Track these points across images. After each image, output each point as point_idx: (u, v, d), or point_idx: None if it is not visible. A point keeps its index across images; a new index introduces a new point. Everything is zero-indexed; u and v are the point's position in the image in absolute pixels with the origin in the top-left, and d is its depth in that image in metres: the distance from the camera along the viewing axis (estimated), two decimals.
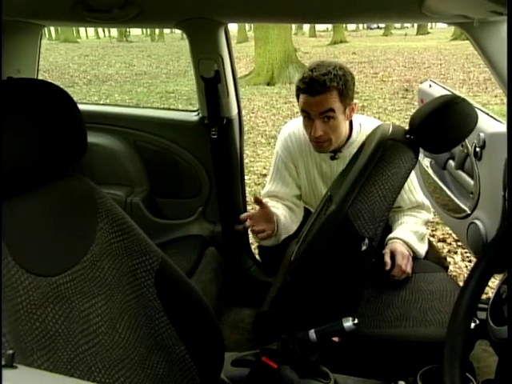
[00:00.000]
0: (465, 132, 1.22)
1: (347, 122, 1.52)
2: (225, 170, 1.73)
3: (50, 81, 0.78)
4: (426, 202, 1.66)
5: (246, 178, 3.51)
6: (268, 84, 8.76)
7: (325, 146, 1.49)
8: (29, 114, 0.73)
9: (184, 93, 8.07)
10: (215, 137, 1.65)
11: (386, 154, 1.17)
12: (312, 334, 1.02)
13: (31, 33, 1.68)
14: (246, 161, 3.72)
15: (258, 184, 3.87)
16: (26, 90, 0.75)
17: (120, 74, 10.89)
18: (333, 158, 1.58)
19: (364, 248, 1.13)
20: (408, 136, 1.23)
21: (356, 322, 0.99)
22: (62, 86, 0.80)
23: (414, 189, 1.62)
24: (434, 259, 1.62)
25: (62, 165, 0.80)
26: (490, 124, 1.61)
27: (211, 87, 1.60)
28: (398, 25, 26.49)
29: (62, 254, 0.78)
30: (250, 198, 3.53)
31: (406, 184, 1.35)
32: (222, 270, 1.80)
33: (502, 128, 1.58)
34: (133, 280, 0.89)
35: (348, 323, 1.00)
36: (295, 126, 1.62)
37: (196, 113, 1.77)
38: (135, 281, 0.89)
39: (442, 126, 1.19)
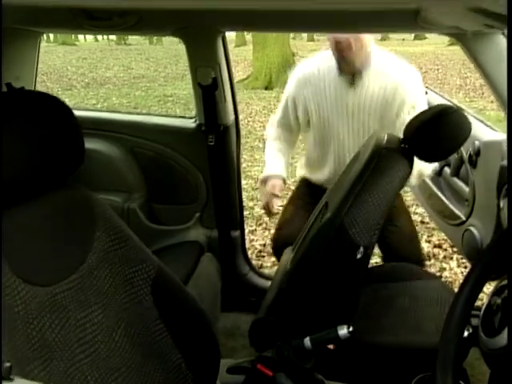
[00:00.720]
0: (458, 142, 1.24)
1: (371, 40, 1.60)
2: (222, 176, 1.74)
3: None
4: None
5: (243, 182, 3.52)
6: (266, 88, 8.78)
7: (345, 45, 1.54)
8: (27, 125, 0.74)
9: (182, 96, 8.07)
10: (212, 144, 1.66)
11: (381, 163, 1.18)
12: (307, 341, 1.03)
13: (30, 39, 1.69)
14: (243, 165, 3.72)
15: (256, 189, 3.87)
16: (24, 101, 0.76)
17: (118, 77, 10.89)
18: (351, 84, 1.62)
19: (359, 256, 1.14)
20: (402, 145, 1.24)
21: (351, 329, 1.00)
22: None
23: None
24: (411, 254, 1.69)
25: (60, 175, 0.81)
26: (484, 132, 1.63)
27: (208, 94, 1.61)
28: None
29: (60, 263, 0.79)
30: (246, 203, 3.54)
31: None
32: (219, 275, 1.80)
33: (497, 136, 1.59)
34: (129, 288, 0.89)
35: (343, 331, 1.01)
36: (305, 63, 1.73)
37: (193, 119, 1.78)
38: (132, 289, 0.90)
39: (436, 135, 1.20)
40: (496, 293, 0.69)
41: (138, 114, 4.99)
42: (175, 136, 1.79)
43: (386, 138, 1.27)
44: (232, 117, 1.72)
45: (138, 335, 0.87)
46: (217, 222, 1.82)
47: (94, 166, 1.75)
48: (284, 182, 1.77)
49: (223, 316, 1.78)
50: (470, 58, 1.31)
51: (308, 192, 1.83)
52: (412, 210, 3.14)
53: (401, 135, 1.60)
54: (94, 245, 0.85)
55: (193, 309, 0.96)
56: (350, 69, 1.60)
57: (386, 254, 1.79)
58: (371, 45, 1.61)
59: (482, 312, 0.71)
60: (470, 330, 0.99)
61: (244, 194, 2.99)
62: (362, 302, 1.35)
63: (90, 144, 1.79)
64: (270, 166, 1.78)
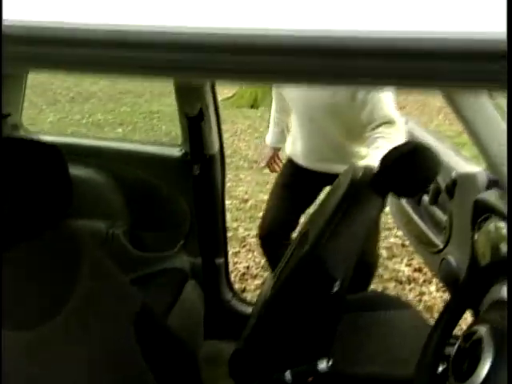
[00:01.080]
0: (430, 178, 1.30)
1: None
2: (206, 205, 1.77)
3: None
4: (399, 119, 1.75)
5: (228, 202, 3.52)
6: (251, 107, 8.84)
7: None
8: (17, 172, 0.76)
9: (168, 113, 8.08)
10: (197, 173, 1.69)
11: (357, 197, 1.23)
12: (288, 374, 1.05)
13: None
14: (227, 185, 3.74)
15: (240, 209, 3.89)
16: (15, 149, 0.78)
17: (103, 91, 10.85)
18: None
19: (336, 289, 1.17)
20: (377, 179, 1.28)
21: (330, 363, 1.03)
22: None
23: (384, 104, 1.72)
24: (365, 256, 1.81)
25: (48, 219, 0.83)
26: (461, 164, 1.70)
27: (195, 125, 1.65)
28: None
29: (45, 304, 0.80)
30: (230, 224, 3.54)
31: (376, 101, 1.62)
32: (202, 303, 1.81)
33: (473, 169, 1.66)
34: (113, 325, 0.91)
35: (322, 365, 1.03)
36: None
37: (179, 148, 1.81)
38: (115, 325, 0.91)
39: (409, 171, 1.25)
40: (465, 338, 0.73)
41: (123, 141, 4.95)
42: (160, 164, 1.81)
43: (361, 172, 1.31)
44: (217, 146, 1.76)
45: (120, 370, 0.89)
46: (201, 250, 1.83)
47: (78, 192, 1.75)
48: (277, 149, 2.15)
49: (206, 343, 1.78)
50: (451, 108, 1.37)
51: (291, 179, 1.99)
52: (393, 232, 3.20)
53: (363, 109, 1.68)
54: (78, 284, 0.86)
55: (175, 345, 0.98)
56: None
57: None
58: None
59: (452, 356, 0.74)
60: (445, 365, 1.02)
61: (228, 215, 3.01)
62: (339, 331, 1.37)
63: (75, 171, 1.80)
64: (267, 136, 2.21)
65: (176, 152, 1.79)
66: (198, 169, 1.69)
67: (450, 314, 0.87)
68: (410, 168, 1.24)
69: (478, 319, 0.78)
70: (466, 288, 0.87)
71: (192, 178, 1.72)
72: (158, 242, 1.86)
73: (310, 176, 1.91)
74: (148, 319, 0.97)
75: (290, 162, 2.01)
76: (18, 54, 0.47)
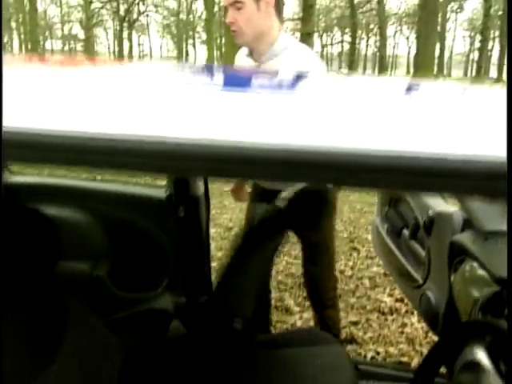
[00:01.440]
0: (326, 214, 1.34)
1: (266, 19, 1.67)
2: (190, 246, 1.79)
3: None
4: None
5: (212, 231, 3.52)
6: None
7: (237, 34, 1.66)
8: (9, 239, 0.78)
9: None
10: (182, 214, 1.71)
11: (258, 236, 1.27)
12: None
13: None
14: (212, 212, 3.72)
15: (224, 238, 3.88)
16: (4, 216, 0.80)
17: None
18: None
19: (238, 326, 1.19)
20: (277, 217, 1.33)
21: None
22: None
23: None
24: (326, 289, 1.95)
25: (35, 280, 0.84)
26: (438, 203, 1.77)
27: None
28: None
29: (31, 367, 0.81)
30: (215, 253, 3.52)
31: None
32: (186, 342, 1.81)
33: (449, 208, 1.72)
34: (97, 378, 0.92)
35: None
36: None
37: (164, 189, 1.83)
38: (99, 377, 0.92)
39: (300, 212, 1.31)
40: None
41: (108, 181, 4.92)
42: (145, 205, 1.83)
43: (270, 209, 1.34)
44: (202, 188, 1.78)
45: None
46: (185, 291, 1.84)
47: (61, 233, 1.74)
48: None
49: None
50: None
51: (253, 200, 2.06)
52: (375, 261, 3.25)
53: None
54: (64, 342, 0.87)
55: None
56: (243, 42, 1.71)
57: (307, 285, 2.18)
58: (264, 19, 1.67)
59: None
60: None
61: (212, 244, 3.01)
62: (258, 367, 1.34)
63: (58, 211, 1.80)
64: None
65: (161, 193, 1.81)
66: (183, 210, 1.71)
67: (430, 364, 0.91)
68: (302, 209, 1.30)
69: (451, 381, 0.81)
70: (442, 345, 0.91)
71: (176, 219, 1.74)
72: (142, 282, 1.86)
73: (266, 195, 1.88)
74: (131, 369, 0.98)
75: (256, 191, 2.08)
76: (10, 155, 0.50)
